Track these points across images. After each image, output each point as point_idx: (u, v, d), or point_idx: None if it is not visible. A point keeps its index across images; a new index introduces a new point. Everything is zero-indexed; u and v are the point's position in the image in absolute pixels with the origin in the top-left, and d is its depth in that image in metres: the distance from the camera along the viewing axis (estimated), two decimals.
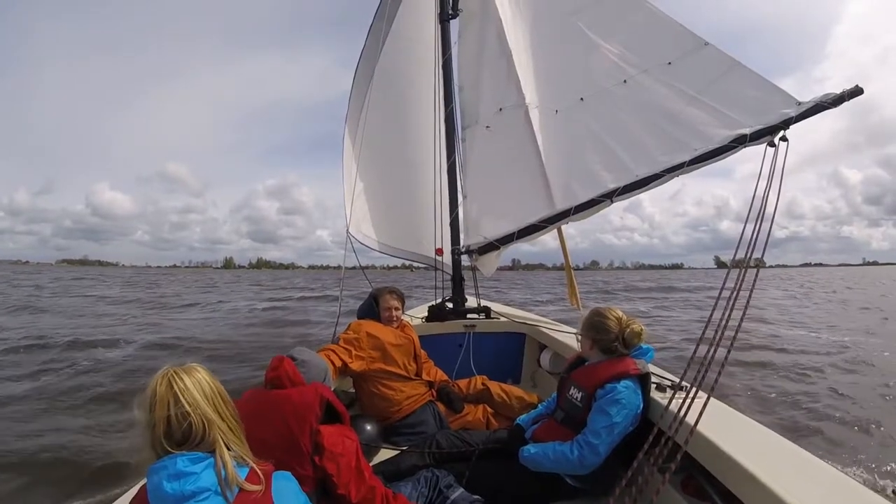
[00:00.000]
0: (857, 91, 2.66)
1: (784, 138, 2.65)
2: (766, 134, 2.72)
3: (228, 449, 1.01)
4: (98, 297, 21.07)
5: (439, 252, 3.88)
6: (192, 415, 0.98)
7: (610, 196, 3.17)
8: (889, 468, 3.64)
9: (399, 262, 4.85)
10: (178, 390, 0.99)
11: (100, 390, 5.60)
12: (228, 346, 8.85)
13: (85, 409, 5.02)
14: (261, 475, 1.03)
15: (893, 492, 3.25)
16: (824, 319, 13.02)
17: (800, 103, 2.73)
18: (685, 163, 2.94)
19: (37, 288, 27.75)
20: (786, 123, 2.69)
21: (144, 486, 0.98)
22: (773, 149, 2.62)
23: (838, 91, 2.69)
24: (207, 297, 22.37)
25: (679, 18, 3.10)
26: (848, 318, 13.26)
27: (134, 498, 1.01)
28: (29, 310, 15.05)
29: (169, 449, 0.96)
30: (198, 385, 1.02)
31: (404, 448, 2.24)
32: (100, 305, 17.40)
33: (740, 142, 2.80)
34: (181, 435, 0.98)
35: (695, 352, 1.98)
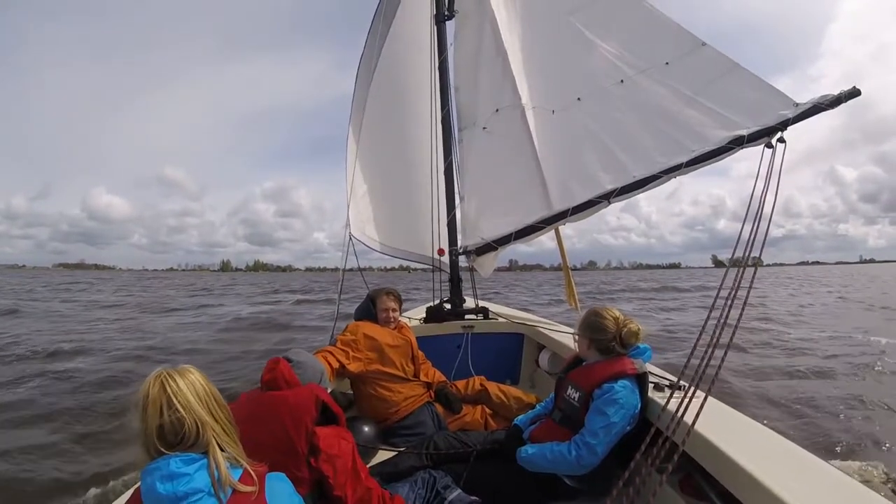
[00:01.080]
0: (854, 92, 2.66)
1: (782, 139, 2.65)
2: (764, 135, 2.72)
3: (222, 450, 1.01)
4: (85, 304, 20.53)
5: (441, 252, 3.87)
6: (185, 416, 0.98)
7: (608, 197, 3.16)
8: None
9: (397, 264, 4.83)
10: (171, 392, 0.99)
11: (27, 413, 4.94)
12: (219, 352, 8.53)
13: (16, 433, 4.44)
14: (254, 476, 1.03)
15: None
16: (852, 321, 12.40)
17: (797, 104, 2.73)
18: (683, 164, 2.93)
19: (28, 292, 27.34)
20: (783, 125, 2.69)
21: (139, 488, 0.98)
22: (771, 150, 2.62)
23: (835, 91, 2.69)
24: (198, 301, 22.13)
25: (675, 18, 3.10)
26: (870, 319, 12.77)
27: (129, 500, 1.01)
28: (11, 315, 14.71)
29: (162, 450, 0.96)
30: (191, 387, 1.02)
31: (402, 449, 2.23)
32: (85, 312, 16.76)
33: (738, 143, 2.79)
34: (174, 436, 0.98)
35: (693, 351, 1.97)
